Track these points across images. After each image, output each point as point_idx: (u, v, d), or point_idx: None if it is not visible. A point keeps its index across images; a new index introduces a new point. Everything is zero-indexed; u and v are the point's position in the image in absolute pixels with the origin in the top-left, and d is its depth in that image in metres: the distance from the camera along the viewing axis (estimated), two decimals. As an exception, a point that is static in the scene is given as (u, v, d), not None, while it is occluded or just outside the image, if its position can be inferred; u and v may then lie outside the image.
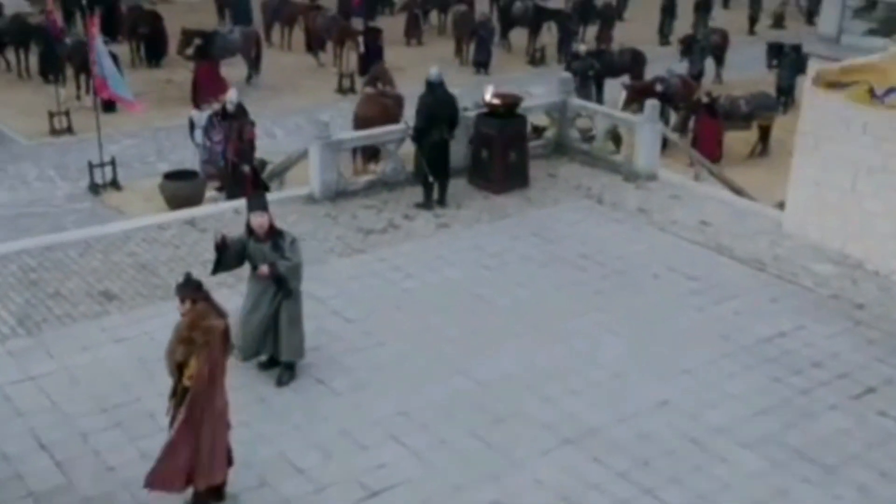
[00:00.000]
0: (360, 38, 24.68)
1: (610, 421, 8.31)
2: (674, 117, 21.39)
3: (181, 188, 16.22)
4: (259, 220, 8.32)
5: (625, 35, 29.49)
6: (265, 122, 22.01)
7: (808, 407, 8.65)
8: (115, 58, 21.77)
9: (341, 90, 24.05)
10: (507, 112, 13.16)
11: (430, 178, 12.37)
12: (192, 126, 18.38)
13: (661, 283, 10.84)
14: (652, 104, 13.55)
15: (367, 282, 10.62)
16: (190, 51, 22.95)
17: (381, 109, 18.87)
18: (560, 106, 14.62)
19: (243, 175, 13.54)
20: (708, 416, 8.47)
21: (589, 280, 10.84)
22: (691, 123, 20.88)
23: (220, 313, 6.71)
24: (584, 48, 23.30)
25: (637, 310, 10.16)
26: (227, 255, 8.34)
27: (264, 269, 8.34)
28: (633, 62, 23.60)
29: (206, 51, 22.89)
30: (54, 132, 20.40)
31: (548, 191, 13.38)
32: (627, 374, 9.01)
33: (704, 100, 20.22)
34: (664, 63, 25.92)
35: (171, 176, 16.75)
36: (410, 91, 24.67)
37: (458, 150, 13.42)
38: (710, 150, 19.98)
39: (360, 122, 18.63)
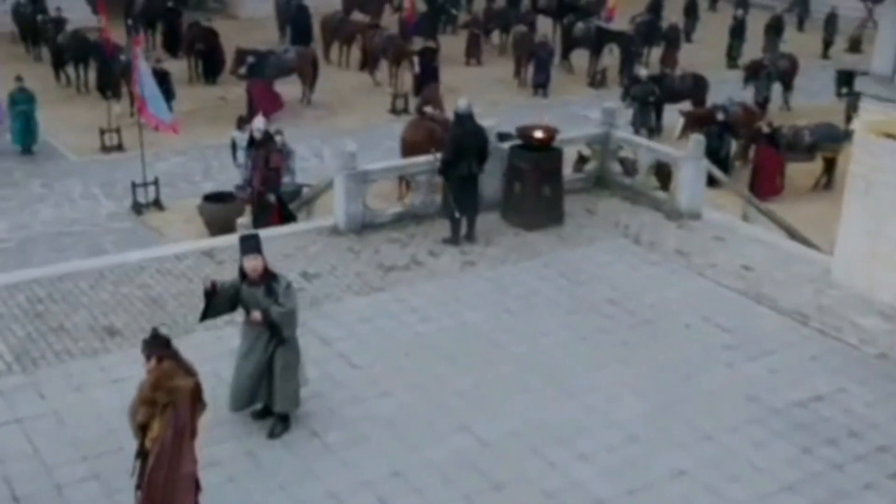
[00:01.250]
0: (416, 58, 24.36)
1: (619, 493, 7.71)
2: (735, 146, 20.56)
3: (219, 211, 16.03)
4: (253, 264, 7.94)
5: (691, 57, 28.68)
6: (314, 142, 21.87)
7: (840, 484, 7.93)
8: (166, 75, 21.95)
9: (394, 111, 23.76)
10: (542, 145, 12.61)
11: (457, 214, 11.89)
12: (234, 147, 18.26)
13: (692, 334, 10.19)
14: (697, 140, 12.87)
15: (380, 324, 10.17)
16: (242, 70, 22.88)
17: (428, 134, 18.46)
18: (602, 138, 14.01)
19: (269, 204, 13.22)
20: (728, 490, 7.81)
21: (615, 329, 10.23)
22: (752, 153, 20.08)
23: (189, 371, 6.34)
24: (645, 72, 22.62)
25: (662, 364, 9.53)
26: (218, 301, 7.98)
27: (257, 315, 7.95)
28: (695, 87, 22.83)
29: (260, 69, 22.79)
30: (104, 149, 20.45)
31: (583, 228, 12.78)
32: (644, 439, 8.40)
33: (765, 130, 19.41)
34: (730, 87, 25.08)
35: (210, 198, 16.59)
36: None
37: (492, 183, 12.93)
38: (770, 182, 19.19)
39: (407, 147, 18.28)
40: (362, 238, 12.22)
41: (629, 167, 14.34)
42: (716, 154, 19.67)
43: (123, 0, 28.94)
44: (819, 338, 10.17)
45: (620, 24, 29.07)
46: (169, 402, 6.12)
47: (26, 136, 20.07)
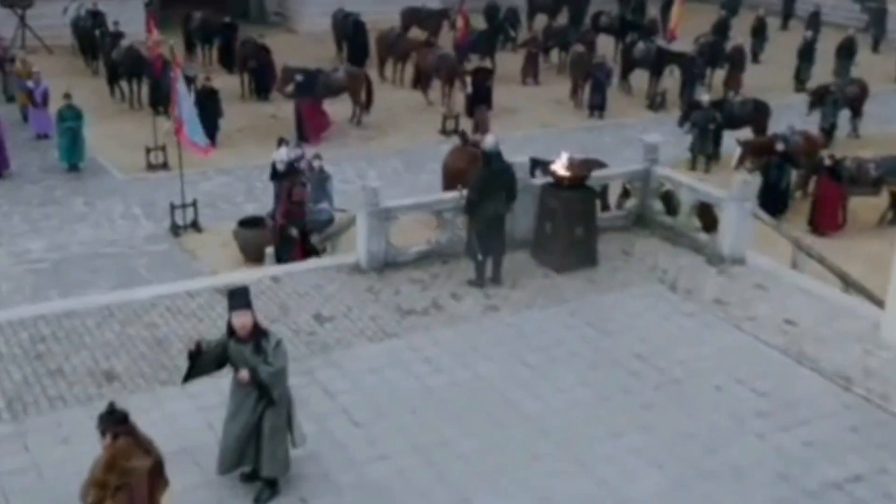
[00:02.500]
0: (468, 79, 23.86)
1: (623, 582, 7.11)
2: (795, 176, 19.63)
3: (254, 236, 15.71)
4: (241, 320, 7.50)
5: (757, 79, 27.70)
6: (360, 164, 21.51)
7: (871, 581, 7.21)
8: (215, 94, 21.79)
9: (444, 131, 23.29)
10: (574, 184, 11.99)
11: (479, 256, 11.34)
12: (274, 169, 17.98)
13: (722, 398, 9.48)
14: (744, 181, 12.11)
15: (390, 375, 9.67)
16: (289, 88, 22.63)
17: (471, 161, 17.90)
18: (643, 174, 13.33)
19: (291, 238, 12.83)
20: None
21: (639, 389, 9.58)
22: (813, 185, 19.15)
23: (147, 450, 5.91)
24: (708, 98, 21.75)
25: (687, 433, 8.85)
26: (203, 361, 7.57)
27: (244, 374, 7.51)
28: (756, 113, 21.93)
29: (308, 88, 22.51)
30: (150, 167, 20.36)
31: (617, 272, 12.12)
32: (657, 520, 7.76)
33: (827, 162, 18.47)
34: (796, 112, 24.10)
35: (245, 223, 16.30)
36: (520, 134, 23.84)
37: (524, 220, 12.36)
38: (830, 216, 18.28)
39: (449, 174, 17.83)
40: (383, 277, 11.74)
41: (674, 203, 13.63)
42: (775, 186, 18.88)
43: (181, 16, 29.09)
44: (862, 406, 9.38)
45: (684, 44, 28.23)
46: (122, 483, 5.70)
47: (73, 154, 20.06)
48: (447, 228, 12.11)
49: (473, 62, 27.35)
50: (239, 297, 7.56)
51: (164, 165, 20.36)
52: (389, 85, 27.24)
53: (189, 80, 21.97)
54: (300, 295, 11.15)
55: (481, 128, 19.59)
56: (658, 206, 13.32)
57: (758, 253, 12.63)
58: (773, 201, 18.91)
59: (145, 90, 24.11)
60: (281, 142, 18.09)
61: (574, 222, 11.86)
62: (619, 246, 12.80)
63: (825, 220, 18.30)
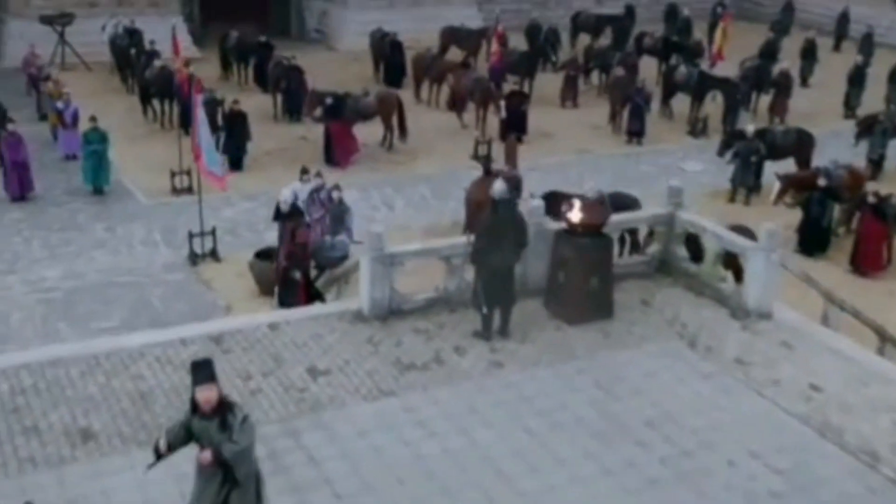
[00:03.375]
0: (502, 103, 23.34)
1: None
2: (837, 211, 18.78)
3: (269, 269, 15.28)
4: (206, 395, 7.02)
5: (805, 104, 26.82)
6: (387, 190, 21.07)
7: None
8: (243, 117, 21.49)
9: (476, 157, 22.73)
10: (590, 230, 11.36)
11: (484, 309, 10.76)
12: (277, 209, 17.56)
13: (735, 474, 8.80)
14: (770, 232, 11.39)
15: (380, 440, 9.13)
16: (317, 113, 22.28)
17: (494, 193, 17.43)
18: (666, 219, 12.66)
19: (295, 282, 12.37)
20: None
21: (646, 462, 8.93)
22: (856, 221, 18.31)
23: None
24: (752, 128, 20.94)
25: (692, 516, 8.21)
26: (170, 451, 7.11)
27: (206, 455, 7.01)
28: (799, 143, 21.09)
29: (338, 112, 22.15)
30: (175, 191, 20.11)
31: (633, 325, 11.46)
32: None
33: (871, 199, 17.60)
34: (844, 140, 23.25)
35: (261, 254, 15.90)
36: (554, 161, 23.21)
37: (539, 266, 11.77)
38: (873, 256, 17.46)
39: (472, 206, 17.31)
40: (386, 326, 11.21)
41: (700, 249, 12.92)
42: (817, 222, 18.09)
43: (220, 33, 28.96)
44: (889, 489, 8.64)
45: (730, 66, 27.39)
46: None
47: (98, 177, 19.88)
48: (456, 275, 11.55)
49: (513, 83, 26.85)
50: (202, 371, 7.08)
51: (189, 190, 20.08)
52: (424, 106, 26.80)
53: (217, 103, 21.80)
54: (297, 345, 10.67)
55: (509, 158, 18.99)
56: (682, 252, 12.62)
57: (786, 306, 11.89)
58: (814, 238, 18.16)
59: (178, 111, 23.90)
60: (304, 171, 17.75)
61: (588, 272, 11.23)
62: (638, 295, 12.15)
63: (868, 260, 17.47)
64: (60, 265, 16.89)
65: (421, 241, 12.04)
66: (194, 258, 17.23)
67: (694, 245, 12.87)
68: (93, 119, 20.27)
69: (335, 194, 16.46)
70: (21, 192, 19.30)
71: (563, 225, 11.52)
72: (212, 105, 21.65)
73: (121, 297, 15.87)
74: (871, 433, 9.41)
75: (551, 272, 11.53)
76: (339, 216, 16.47)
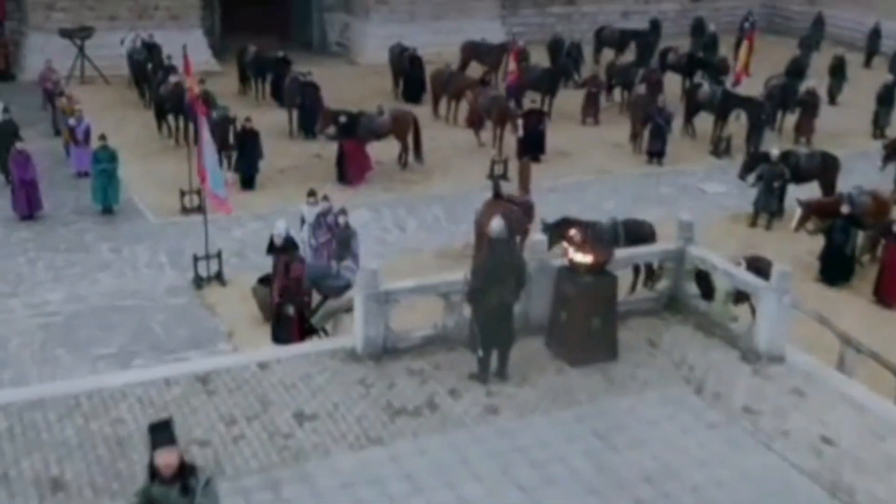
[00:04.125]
0: (520, 122, 22.89)
1: None
2: (862, 237, 18.17)
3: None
4: (166, 459, 6.61)
5: (833, 123, 26.17)
6: (400, 211, 20.68)
7: None
8: (255, 135, 21.19)
9: (492, 177, 22.29)
10: (594, 268, 10.89)
11: (480, 352, 10.32)
12: (302, 220, 17.29)
13: (736, 538, 8.31)
14: (781, 273, 10.86)
15: (363, 494, 8.70)
16: (330, 131, 21.96)
17: (504, 218, 16.97)
18: (676, 255, 12.16)
19: (288, 317, 11.98)
20: None
21: (642, 523, 8.46)
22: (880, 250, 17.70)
23: None
24: (777, 152, 20.32)
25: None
26: None
27: (166, 526, 6.62)
28: (824, 167, 20.50)
29: (351, 131, 21.82)
30: (184, 210, 19.83)
31: (638, 368, 10.96)
32: None
33: (896, 228, 17.01)
34: (871, 162, 22.61)
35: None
36: (571, 181, 22.71)
37: (542, 302, 11.31)
38: (897, 287, 16.83)
39: (480, 231, 16.86)
40: (380, 367, 10.79)
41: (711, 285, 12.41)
42: (839, 250, 17.51)
43: (240, 46, 28.77)
44: (900, 557, 8.11)
45: (757, 82, 26.79)
46: None
47: (107, 196, 19.65)
48: (455, 312, 11.11)
49: (531, 101, 26.39)
50: (161, 433, 6.68)
51: (199, 209, 19.71)
52: (443, 123, 26.43)
53: (229, 121, 21.53)
54: (286, 387, 10.28)
55: (522, 182, 18.54)
56: (693, 289, 12.12)
57: (800, 348, 11.35)
58: (837, 267, 17.59)
59: (191, 128, 23.67)
60: (311, 193, 17.41)
61: (591, 312, 10.76)
62: (645, 334, 11.65)
63: (893, 290, 16.86)
64: (63, 288, 16.66)
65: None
66: (199, 281, 16.95)
67: (706, 281, 12.37)
68: (102, 138, 20.07)
69: (341, 219, 16.10)
70: (29, 210, 19.12)
71: (564, 261, 11.03)
72: (224, 123, 21.45)
73: (122, 322, 15.60)
74: (886, 495, 8.87)
75: (553, 311, 11.08)
76: (345, 241, 16.10)
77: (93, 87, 28.60)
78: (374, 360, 10.83)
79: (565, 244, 11.06)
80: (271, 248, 12.52)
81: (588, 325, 10.77)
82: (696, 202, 21.87)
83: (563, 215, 16.73)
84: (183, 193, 19.81)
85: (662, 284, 12.28)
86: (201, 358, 12.34)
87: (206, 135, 16.53)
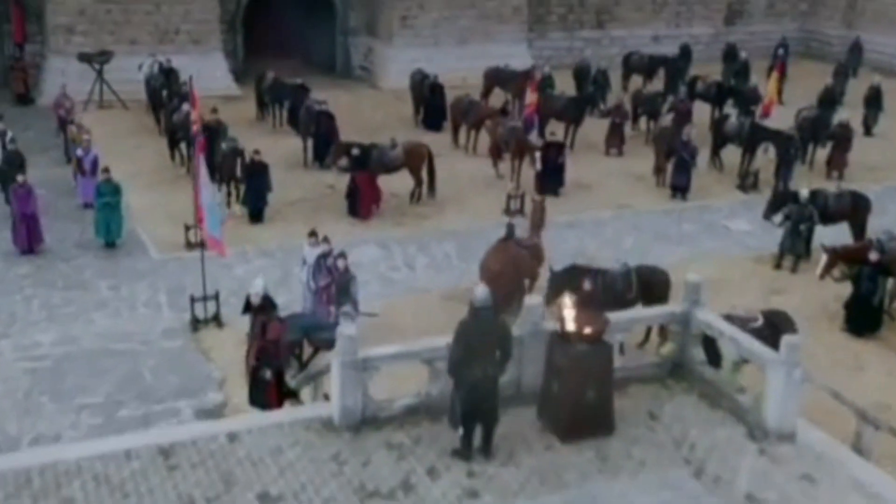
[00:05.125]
0: (538, 154, 22.18)
1: None
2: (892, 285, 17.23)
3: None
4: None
5: (867, 156, 25.19)
6: (410, 249, 20.04)
7: None
8: (265, 168, 20.63)
9: (509, 211, 21.63)
10: (588, 337, 10.14)
11: (459, 430, 9.60)
12: (304, 261, 16.72)
13: None
14: (790, 345, 10.04)
15: (321, 592, 8.04)
16: (342, 163, 21.38)
17: (511, 263, 16.32)
18: (682, 317, 11.36)
19: (265, 381, 11.35)
20: None
21: None
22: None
23: None
24: (806, 193, 19.37)
25: None
26: None
27: None
28: (853, 209, 19.52)
29: (363, 164, 21.24)
30: (188, 245, 19.30)
31: (635, 445, 10.17)
32: None
33: (928, 277, 16.03)
34: (906, 204, 21.63)
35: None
36: (589, 217, 21.88)
37: (534, 368, 10.59)
38: (929, 341, 15.85)
39: (487, 277, 16.15)
40: (357, 439, 10.11)
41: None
42: (867, 299, 16.58)
43: (263, 69, 28.38)
44: None
45: (788, 115, 25.84)
46: None
47: (109, 230, 19.19)
48: (439, 379, 10.41)
49: (556, 128, 25.67)
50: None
51: (203, 244, 19.26)
52: (461, 153, 25.77)
53: (237, 153, 21.02)
54: (253, 463, 9.64)
55: (534, 222, 17.79)
56: (699, 354, 11.31)
57: (812, 424, 10.50)
58: (864, 317, 16.67)
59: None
60: (312, 234, 16.82)
61: (584, 384, 10.01)
62: (646, 405, 10.86)
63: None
64: (56, 328, 16.20)
65: (400, 344, 10.78)
66: (196, 323, 16.42)
67: (713, 346, 11.56)
68: (106, 170, 19.67)
69: (340, 262, 15.49)
70: (30, 244, 18.71)
71: (557, 327, 10.29)
72: (232, 155, 20.96)
73: (112, 367, 15.10)
74: None
75: (545, 380, 10.35)
76: (344, 286, 15.49)
77: (110, 113, 28.34)
78: (351, 432, 10.16)
79: (559, 306, 10.29)
80: (247, 308, 11.88)
81: (581, 397, 10.02)
82: (720, 241, 21.04)
83: (572, 262, 16.01)
84: (188, 228, 19.29)
85: (667, 349, 11.47)
86: (166, 428, 11.64)
87: (203, 173, 16.01)
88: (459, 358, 9.53)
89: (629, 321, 11.54)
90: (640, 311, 12.43)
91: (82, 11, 29.01)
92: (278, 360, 11.37)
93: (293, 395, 11.35)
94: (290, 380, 11.43)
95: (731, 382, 10.79)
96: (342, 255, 15.68)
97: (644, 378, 11.25)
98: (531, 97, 22.33)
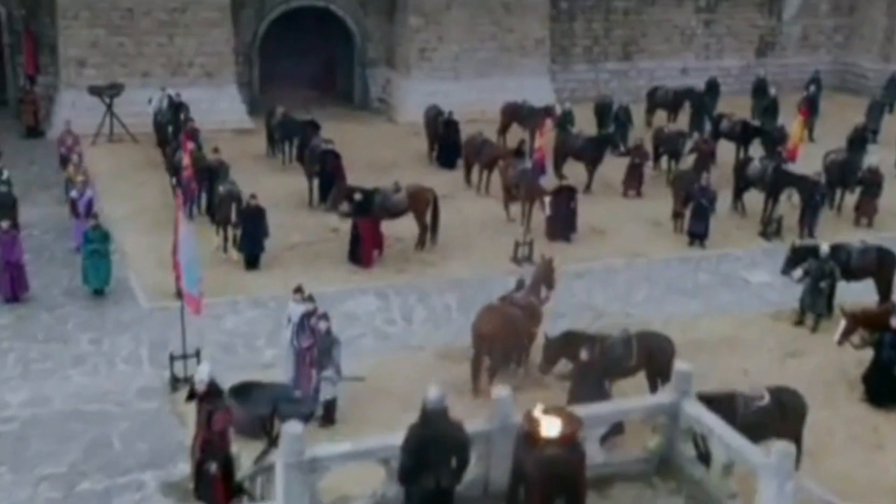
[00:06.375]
0: (547, 200, 21.27)
1: None
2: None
3: (240, 412, 13.31)
4: None
5: (896, 202, 23.93)
6: (410, 299, 19.20)
7: None
8: (261, 212, 19.88)
9: (516, 259, 20.75)
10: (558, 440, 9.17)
11: (409, 549, 8.68)
12: (289, 319, 15.93)
13: None
14: (783, 452, 9.00)
15: None
16: (343, 207, 20.62)
17: (505, 325, 15.43)
18: (670, 409, 10.35)
19: (211, 476, 10.49)
20: None
21: None
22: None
23: None
24: (827, 247, 18.23)
25: None
26: None
27: None
28: (879, 265, 18.40)
29: (366, 208, 20.46)
30: (179, 294, 18.56)
31: (608, 561, 9.21)
32: None
33: (955, 348, 14.85)
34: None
35: (238, 391, 14.09)
36: (600, 266, 20.83)
37: (504, 468, 9.64)
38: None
39: (478, 340, 15.31)
40: (303, 546, 9.23)
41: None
42: (888, 369, 15.45)
43: (283, 98, 27.86)
44: None
45: (816, 154, 24.67)
46: None
47: (97, 278, 18.54)
48: (396, 480, 9.48)
49: (575, 167, 24.80)
50: None
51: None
52: (473, 193, 24.92)
53: (233, 198, 20.32)
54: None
55: (536, 280, 16.82)
56: (689, 451, 10.30)
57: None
58: (885, 388, 15.53)
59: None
60: (297, 290, 16.04)
61: (553, 492, 9.03)
62: (626, 508, 9.88)
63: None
64: (29, 387, 15.60)
65: (352, 442, 9.87)
66: (175, 382, 15.68)
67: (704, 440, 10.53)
68: (95, 216, 19.07)
69: (322, 325, 14.67)
70: (13, 293, 18.11)
71: (524, 426, 9.33)
72: (228, 199, 20.27)
73: (81, 432, 14.45)
74: None
75: (511, 485, 9.38)
76: (326, 349, 14.66)
77: (120, 147, 27.88)
78: (298, 539, 9.25)
79: (529, 414, 9.29)
80: (191, 396, 11.06)
81: (549, 505, 9.04)
82: (737, 293, 20.00)
83: (568, 329, 15.11)
84: (178, 275, 18.58)
85: (654, 443, 10.46)
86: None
87: (183, 229, 15.31)
88: (410, 467, 8.60)
89: (611, 414, 10.53)
90: (622, 404, 11.37)
91: (94, 44, 28.61)
92: (224, 452, 10.50)
93: (242, 492, 10.48)
94: (245, 469, 10.55)
95: (721, 487, 9.75)
96: (324, 316, 14.85)
97: (629, 475, 10.24)
98: (540, 141, 21.40)
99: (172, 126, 25.32)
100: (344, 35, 32.70)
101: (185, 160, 18.97)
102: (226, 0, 29.58)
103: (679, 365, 10.38)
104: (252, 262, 20.11)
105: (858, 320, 15.74)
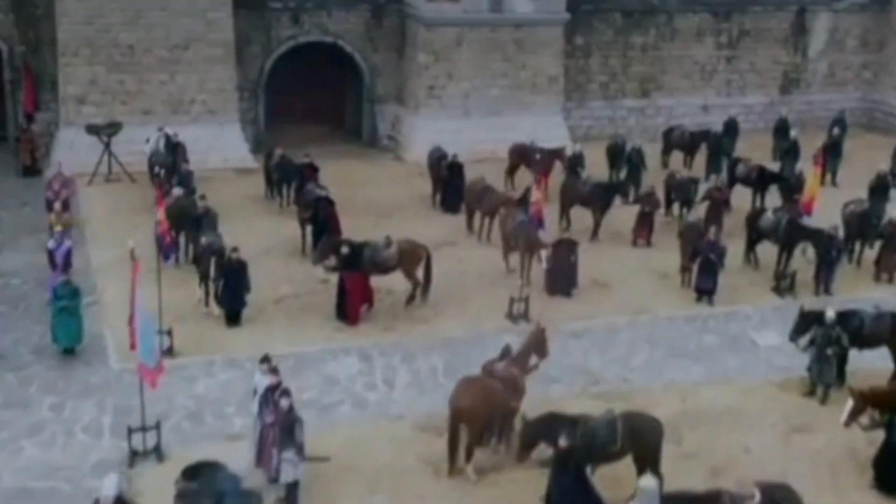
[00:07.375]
0: (543, 254, 20.22)
1: None
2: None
3: (198, 496, 12.37)
4: None
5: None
6: (394, 360, 18.21)
7: None
8: (243, 266, 18.96)
9: (511, 316, 19.73)
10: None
11: None
12: (255, 391, 15.05)
13: None
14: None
15: None
16: (329, 262, 19.69)
17: (484, 399, 14.42)
18: None
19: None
20: None
21: None
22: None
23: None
24: (832, 313, 16.96)
25: None
26: None
27: None
28: (894, 332, 17.06)
29: (353, 264, 19.52)
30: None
31: None
32: None
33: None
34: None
35: (192, 472, 13.10)
36: (600, 325, 19.60)
37: None
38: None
39: (455, 415, 14.31)
40: None
41: None
42: (898, 455, 14.19)
43: (292, 134, 27.15)
44: None
45: (835, 204, 23.38)
46: None
47: (66, 336, 17.72)
48: None
49: (582, 214, 23.73)
50: None
51: (170, 351, 17.79)
52: (475, 240, 23.91)
53: (214, 251, 19.44)
54: None
55: (526, 349, 15.76)
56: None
57: None
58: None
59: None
60: (264, 360, 15.15)
61: None
62: None
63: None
64: (-23, 461, 14.75)
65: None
66: (133, 457, 14.81)
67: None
68: (65, 272, 18.28)
69: (283, 402, 13.72)
70: (-21, 351, 17.38)
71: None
72: (209, 252, 19.41)
73: (24, 518, 13.55)
74: None
75: None
76: (288, 428, 13.69)
77: (117, 186, 27.23)
78: None
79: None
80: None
81: None
82: (744, 357, 18.80)
83: (549, 411, 14.02)
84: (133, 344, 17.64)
85: None
86: None
87: (139, 297, 14.48)
88: None
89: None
90: None
91: (94, 81, 28.02)
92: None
93: None
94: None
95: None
96: (285, 392, 13.91)
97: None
98: (538, 194, 20.38)
99: (165, 169, 24.55)
100: (353, 71, 31.93)
101: (160, 214, 18.15)
102: (229, 36, 28.86)
103: (644, 482, 9.26)
104: (233, 317, 19.24)
105: (867, 399, 14.49)
